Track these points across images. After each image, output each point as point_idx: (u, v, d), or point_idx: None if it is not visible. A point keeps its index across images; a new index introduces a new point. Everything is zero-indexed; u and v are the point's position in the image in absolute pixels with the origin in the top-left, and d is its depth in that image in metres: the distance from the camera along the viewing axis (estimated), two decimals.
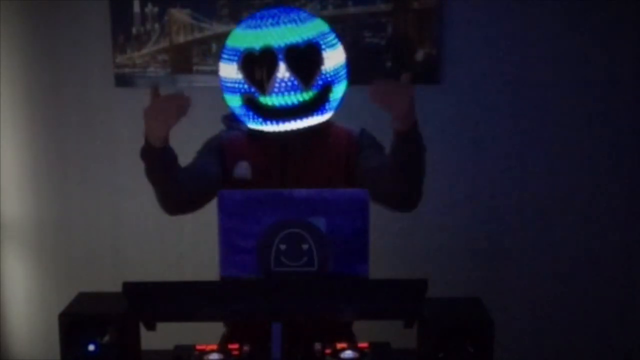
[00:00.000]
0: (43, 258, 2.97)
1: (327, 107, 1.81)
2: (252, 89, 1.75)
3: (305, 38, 1.72)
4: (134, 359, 1.54)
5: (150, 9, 2.76)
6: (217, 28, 2.75)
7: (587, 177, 2.84)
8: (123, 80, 2.82)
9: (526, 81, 2.79)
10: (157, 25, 2.77)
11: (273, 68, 1.71)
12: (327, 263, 1.42)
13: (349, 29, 2.73)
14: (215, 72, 2.89)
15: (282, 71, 1.71)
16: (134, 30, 2.78)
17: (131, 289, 1.38)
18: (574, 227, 2.87)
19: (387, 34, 2.73)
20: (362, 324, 1.99)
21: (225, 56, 1.81)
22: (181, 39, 2.78)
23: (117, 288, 1.39)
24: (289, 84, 1.72)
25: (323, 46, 1.75)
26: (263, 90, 1.74)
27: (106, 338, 1.47)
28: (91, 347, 1.47)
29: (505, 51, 2.77)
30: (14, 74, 2.84)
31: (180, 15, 2.76)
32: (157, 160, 1.70)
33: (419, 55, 2.74)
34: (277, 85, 1.71)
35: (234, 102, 1.82)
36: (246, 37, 1.74)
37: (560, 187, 2.85)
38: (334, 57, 1.80)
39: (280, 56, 1.70)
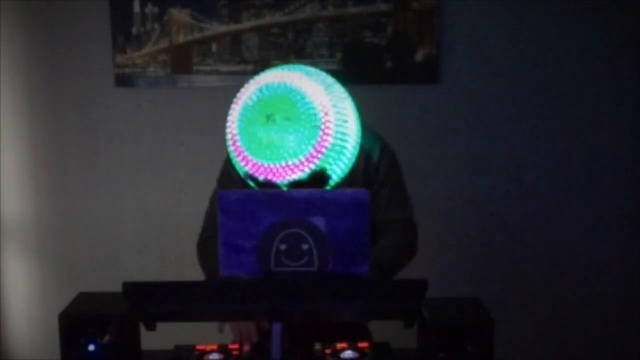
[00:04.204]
0: (43, 258, 2.97)
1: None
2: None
3: (308, 170, 1.58)
4: (134, 359, 1.54)
5: (150, 9, 2.76)
6: (217, 28, 2.75)
7: (588, 176, 2.84)
8: (123, 80, 2.82)
9: (526, 81, 2.79)
10: (157, 25, 2.77)
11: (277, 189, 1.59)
12: (327, 263, 1.42)
13: (349, 29, 2.73)
14: (215, 72, 2.91)
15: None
16: (134, 30, 2.78)
17: (131, 289, 1.38)
18: (574, 227, 2.87)
19: (387, 34, 2.73)
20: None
21: (230, 162, 1.70)
22: (181, 39, 2.78)
23: (117, 288, 1.39)
24: None
25: (328, 167, 1.61)
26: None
27: (106, 338, 1.47)
28: (91, 347, 1.47)
29: (505, 51, 2.77)
30: (14, 74, 2.84)
31: (180, 15, 2.76)
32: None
33: (419, 55, 2.74)
34: None
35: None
36: (247, 161, 1.61)
37: (560, 187, 2.85)
38: (343, 163, 1.64)
39: (283, 187, 1.60)
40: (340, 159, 1.62)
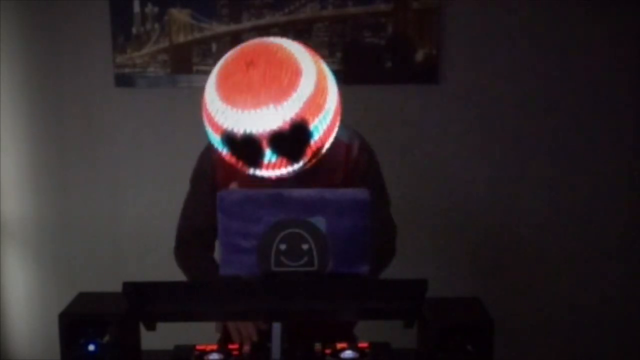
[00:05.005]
0: (43, 258, 2.97)
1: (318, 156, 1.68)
2: (238, 164, 1.62)
3: (289, 119, 1.53)
4: (134, 359, 1.54)
5: (150, 9, 2.76)
6: (217, 28, 2.76)
7: (587, 176, 2.84)
8: (123, 80, 2.82)
9: (526, 81, 2.79)
10: (157, 25, 2.77)
11: (257, 152, 1.57)
12: (327, 263, 1.42)
13: (349, 29, 2.73)
14: None
15: (268, 156, 1.57)
16: (134, 30, 2.78)
17: (131, 289, 1.38)
18: (573, 227, 2.87)
19: (387, 34, 2.74)
20: (362, 324, 1.99)
21: (206, 119, 1.62)
22: (181, 39, 2.78)
23: (117, 288, 1.39)
24: (276, 164, 1.59)
25: (311, 120, 1.56)
26: (248, 166, 1.62)
27: (106, 338, 1.47)
28: (91, 347, 1.46)
29: (505, 51, 2.77)
30: (14, 74, 2.84)
31: (180, 15, 2.76)
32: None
33: (419, 55, 2.74)
34: (262, 168, 1.60)
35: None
36: (226, 115, 1.56)
37: (560, 187, 2.85)
38: (325, 123, 1.60)
39: (264, 142, 1.55)
40: (323, 116, 1.57)
